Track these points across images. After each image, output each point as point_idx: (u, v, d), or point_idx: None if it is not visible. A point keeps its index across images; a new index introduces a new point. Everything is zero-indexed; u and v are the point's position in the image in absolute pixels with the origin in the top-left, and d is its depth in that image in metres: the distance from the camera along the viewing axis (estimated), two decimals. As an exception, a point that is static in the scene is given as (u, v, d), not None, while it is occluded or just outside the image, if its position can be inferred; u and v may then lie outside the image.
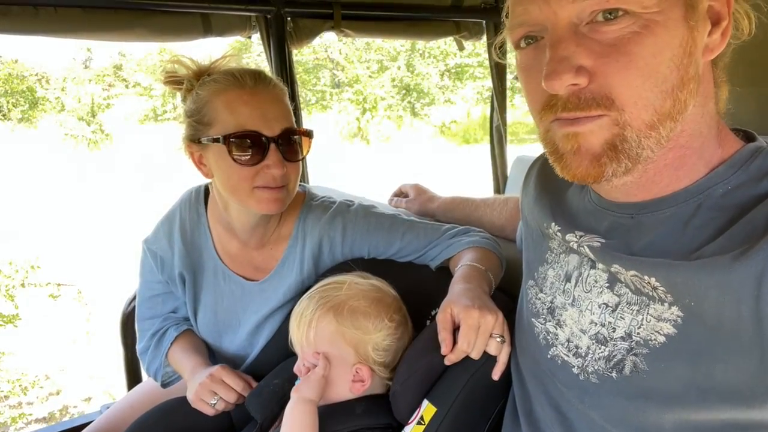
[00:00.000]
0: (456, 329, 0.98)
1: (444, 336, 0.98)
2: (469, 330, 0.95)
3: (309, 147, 1.28)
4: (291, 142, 1.21)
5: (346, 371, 1.06)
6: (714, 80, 0.74)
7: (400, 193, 1.67)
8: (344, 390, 1.07)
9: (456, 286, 1.08)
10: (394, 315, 1.10)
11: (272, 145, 1.17)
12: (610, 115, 0.67)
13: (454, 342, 0.97)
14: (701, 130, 0.72)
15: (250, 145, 1.16)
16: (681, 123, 0.69)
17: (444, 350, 0.98)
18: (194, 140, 1.22)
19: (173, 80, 1.28)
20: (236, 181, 1.20)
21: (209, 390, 1.24)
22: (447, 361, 0.97)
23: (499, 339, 0.96)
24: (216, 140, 1.17)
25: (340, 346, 1.06)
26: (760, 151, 0.72)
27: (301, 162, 1.26)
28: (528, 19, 0.71)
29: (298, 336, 1.10)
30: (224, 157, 1.18)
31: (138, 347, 1.49)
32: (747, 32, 0.71)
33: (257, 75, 1.21)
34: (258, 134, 1.16)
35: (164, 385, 1.48)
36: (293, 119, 1.24)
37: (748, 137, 0.77)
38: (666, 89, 0.67)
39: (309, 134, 1.27)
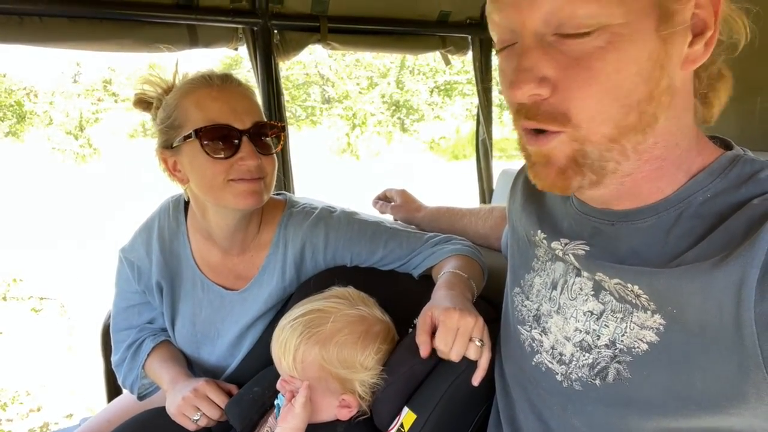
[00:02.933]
0: (435, 333, 0.98)
1: (422, 339, 0.98)
2: (448, 331, 0.95)
3: (282, 141, 1.28)
4: (263, 135, 1.21)
5: (333, 399, 1.05)
6: (695, 91, 0.73)
7: (385, 197, 1.66)
8: (329, 415, 1.05)
9: (439, 292, 1.08)
10: (381, 345, 1.07)
11: (244, 138, 1.17)
12: (566, 131, 0.67)
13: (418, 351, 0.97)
14: (678, 141, 0.71)
15: (222, 137, 1.17)
16: (652, 135, 0.69)
17: (422, 352, 0.97)
18: (167, 146, 1.22)
19: (143, 100, 1.28)
20: (211, 177, 1.19)
21: (192, 405, 1.21)
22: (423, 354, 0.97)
23: (478, 343, 0.96)
24: (188, 137, 1.17)
25: (327, 380, 1.04)
26: (738, 159, 0.72)
27: (275, 156, 1.26)
28: (501, 28, 0.71)
29: (282, 363, 1.06)
30: (197, 155, 1.17)
31: (113, 359, 1.46)
32: (743, 40, 0.70)
33: (225, 75, 1.22)
34: (229, 127, 1.16)
35: (140, 397, 1.45)
36: (263, 115, 1.24)
37: (726, 145, 0.78)
38: (629, 103, 0.66)
39: (281, 128, 1.27)
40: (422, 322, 1.00)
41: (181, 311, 1.40)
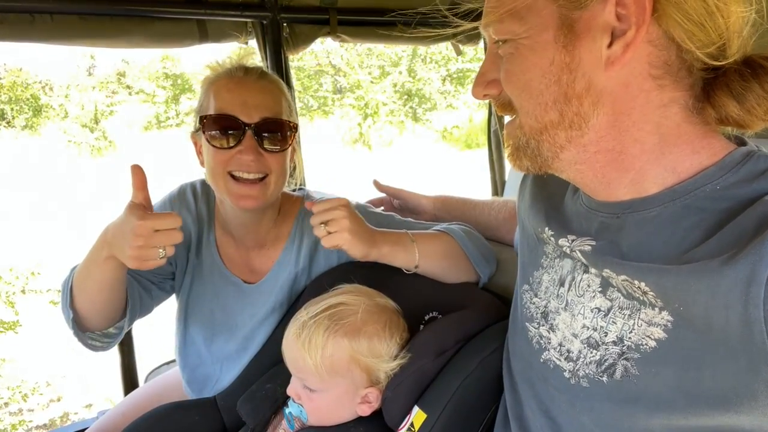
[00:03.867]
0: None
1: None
2: (323, 205, 1.10)
3: (293, 140, 1.27)
4: (271, 131, 1.21)
5: (357, 394, 1.04)
6: (691, 87, 0.72)
7: (381, 203, 1.60)
8: (350, 413, 1.05)
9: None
10: (404, 333, 1.08)
11: (248, 132, 1.18)
12: (515, 120, 0.80)
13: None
14: (636, 137, 0.72)
15: (224, 127, 1.18)
16: (592, 131, 0.73)
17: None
18: (195, 130, 1.26)
19: None
20: (213, 165, 1.21)
21: (148, 246, 1.03)
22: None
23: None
24: (201, 120, 1.20)
25: (354, 372, 1.03)
26: (752, 154, 0.71)
27: (284, 154, 1.24)
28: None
29: (307, 362, 1.01)
30: (205, 142, 1.20)
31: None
32: (734, 38, 0.69)
33: (251, 68, 1.24)
34: (234, 118, 1.18)
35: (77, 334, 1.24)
36: (282, 111, 1.24)
37: (740, 141, 0.77)
38: (544, 101, 0.74)
39: (293, 127, 1.26)
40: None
41: (200, 297, 1.40)
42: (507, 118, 0.86)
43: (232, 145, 1.18)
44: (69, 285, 1.23)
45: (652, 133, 0.74)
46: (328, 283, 1.18)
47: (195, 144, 1.29)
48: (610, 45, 0.69)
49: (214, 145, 1.19)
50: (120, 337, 1.31)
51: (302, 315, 1.07)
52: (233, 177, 1.20)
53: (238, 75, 1.22)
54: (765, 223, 0.62)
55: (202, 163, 1.28)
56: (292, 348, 1.04)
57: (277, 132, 1.22)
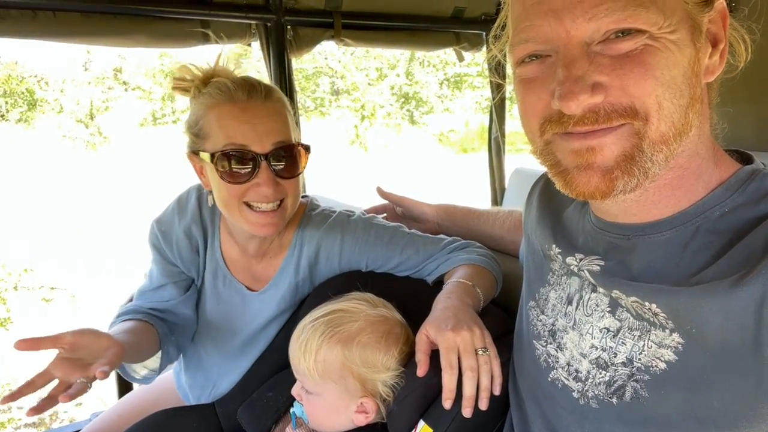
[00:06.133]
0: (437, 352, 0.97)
1: (419, 357, 0.98)
2: (447, 351, 0.94)
3: (306, 162, 1.24)
4: (285, 158, 1.17)
5: (351, 402, 1.04)
6: (709, 102, 0.73)
7: (384, 209, 1.57)
8: (347, 420, 1.04)
9: (436, 306, 1.07)
10: (403, 347, 1.06)
11: (263, 163, 1.14)
12: (633, 124, 0.66)
13: (437, 365, 0.95)
14: (699, 151, 0.71)
15: (238, 161, 1.13)
16: (684, 143, 0.69)
17: (419, 371, 0.97)
18: (194, 152, 1.20)
19: (181, 87, 1.26)
20: (226, 197, 1.17)
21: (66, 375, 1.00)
22: (446, 401, 0.93)
23: (481, 352, 0.95)
24: (211, 156, 1.15)
25: (348, 380, 1.02)
26: (757, 173, 0.72)
27: (299, 177, 1.22)
28: (536, 36, 0.69)
29: (302, 364, 1.04)
30: (215, 173, 1.16)
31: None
32: (743, 58, 0.72)
33: (251, 87, 1.17)
34: (246, 150, 1.13)
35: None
36: (291, 133, 1.20)
37: (745, 159, 0.77)
38: (683, 104, 0.66)
39: (306, 148, 1.23)
40: (418, 340, 1.00)
41: (204, 297, 1.39)
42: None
43: (246, 178, 1.14)
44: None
45: (706, 146, 0.73)
46: (332, 292, 1.17)
47: (194, 165, 1.23)
48: (710, 55, 0.69)
49: (227, 180, 1.14)
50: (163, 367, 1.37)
51: (306, 318, 1.09)
52: (248, 206, 1.17)
53: (242, 99, 1.15)
54: None
55: (206, 185, 1.24)
56: (292, 349, 1.07)
57: (292, 157, 1.19)
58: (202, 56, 1.27)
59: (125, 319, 1.30)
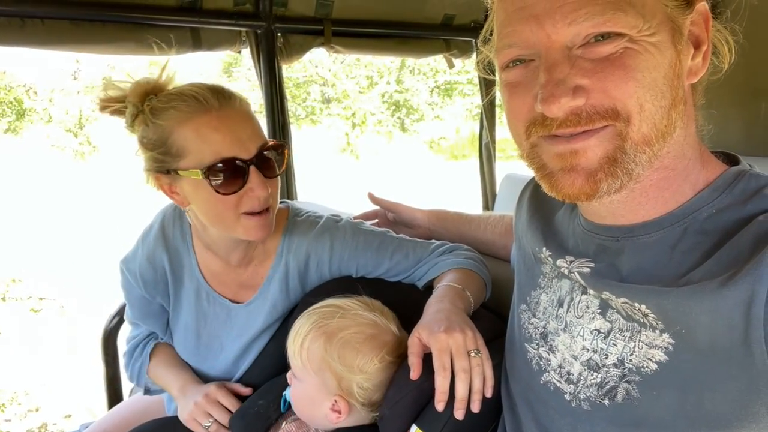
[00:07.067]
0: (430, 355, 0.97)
1: (412, 360, 0.98)
2: (440, 353, 0.94)
3: (286, 159, 1.24)
4: (268, 159, 1.17)
5: (327, 398, 1.05)
6: (693, 103, 0.74)
7: (375, 216, 1.57)
8: (321, 416, 1.06)
9: (427, 310, 1.07)
10: (387, 356, 1.06)
11: (252, 168, 1.13)
12: (615, 125, 0.67)
13: (429, 369, 0.95)
14: (685, 152, 0.72)
15: (230, 172, 1.11)
16: (669, 143, 0.70)
17: (412, 374, 0.97)
18: (162, 171, 1.16)
19: (110, 106, 1.19)
20: (221, 211, 1.15)
21: (204, 411, 1.22)
22: (438, 403, 0.93)
23: (473, 354, 0.95)
24: (192, 172, 1.12)
25: (325, 374, 1.04)
26: (743, 174, 0.73)
27: (279, 177, 1.22)
28: (518, 41, 0.70)
29: (291, 347, 1.09)
30: (203, 188, 1.12)
31: (127, 345, 1.49)
32: (727, 60, 0.73)
33: (219, 93, 1.14)
34: (236, 159, 1.11)
35: (147, 391, 1.47)
36: (263, 132, 1.19)
37: (731, 160, 0.78)
38: (664, 105, 0.67)
39: (284, 146, 1.23)
40: (411, 343, 1.00)
41: (186, 322, 1.38)
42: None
43: (240, 186, 1.13)
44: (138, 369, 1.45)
45: (692, 147, 0.74)
46: (324, 297, 1.16)
47: (161, 185, 1.18)
48: (692, 57, 0.70)
49: (223, 193, 1.12)
50: None
51: (312, 306, 1.13)
52: (244, 214, 1.16)
53: (215, 107, 1.11)
54: (761, 243, 0.63)
55: (182, 203, 1.21)
56: (291, 330, 1.11)
57: (273, 157, 1.19)
58: (190, 62, 1.24)
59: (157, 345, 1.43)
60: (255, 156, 1.14)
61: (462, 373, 0.93)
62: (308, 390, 1.06)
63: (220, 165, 1.10)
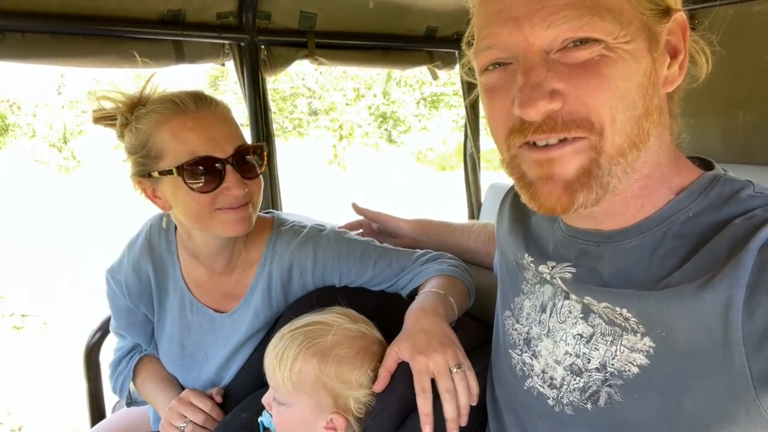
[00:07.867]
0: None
1: (381, 373, 0.98)
2: (419, 375, 0.94)
3: (265, 161, 1.24)
4: (246, 160, 1.18)
5: (321, 418, 1.02)
6: (669, 112, 0.75)
7: (360, 226, 1.58)
8: None
9: (407, 321, 1.06)
10: (378, 365, 1.05)
11: (228, 167, 1.14)
12: (590, 138, 0.67)
13: (410, 378, 0.95)
14: (660, 159, 0.73)
15: (204, 171, 1.13)
16: (644, 153, 0.70)
17: (376, 386, 0.97)
18: (144, 175, 1.18)
19: (104, 117, 1.22)
20: (197, 209, 1.16)
21: (177, 413, 1.22)
22: (425, 426, 0.92)
23: (455, 369, 0.95)
24: (169, 172, 1.13)
25: (320, 394, 1.01)
26: (719, 178, 0.74)
27: (261, 177, 1.23)
28: (496, 43, 0.70)
29: (276, 374, 1.04)
30: (180, 187, 1.14)
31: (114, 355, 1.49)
32: (704, 70, 0.74)
33: (198, 97, 1.16)
34: (211, 158, 1.13)
35: (130, 403, 1.48)
36: (243, 136, 1.21)
37: (706, 165, 0.79)
38: (635, 116, 0.68)
39: (263, 148, 1.24)
40: (388, 356, 0.99)
41: (170, 332, 1.37)
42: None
43: (216, 184, 1.14)
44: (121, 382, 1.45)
45: (667, 154, 0.75)
46: (307, 308, 1.16)
47: (142, 189, 1.20)
48: (668, 66, 0.71)
49: (198, 191, 1.13)
50: None
51: (285, 328, 1.08)
52: (220, 209, 1.17)
53: (191, 108, 1.14)
54: (737, 247, 0.64)
55: (163, 207, 1.22)
56: (268, 357, 1.06)
57: (252, 157, 1.20)
58: (176, 75, 1.25)
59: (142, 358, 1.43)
60: (231, 156, 1.15)
61: (447, 393, 0.93)
62: (299, 414, 1.03)
63: (195, 163, 1.12)
